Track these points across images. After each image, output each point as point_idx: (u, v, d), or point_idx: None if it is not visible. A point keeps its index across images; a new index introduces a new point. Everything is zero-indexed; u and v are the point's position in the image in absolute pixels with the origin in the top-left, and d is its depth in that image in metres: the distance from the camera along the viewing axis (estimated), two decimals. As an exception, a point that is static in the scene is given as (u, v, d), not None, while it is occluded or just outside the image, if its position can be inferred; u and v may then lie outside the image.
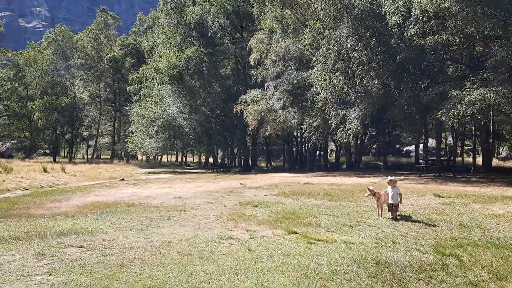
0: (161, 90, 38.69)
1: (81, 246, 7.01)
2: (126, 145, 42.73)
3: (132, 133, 40.95)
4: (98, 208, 11.42)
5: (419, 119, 25.82)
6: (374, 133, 46.70)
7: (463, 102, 18.01)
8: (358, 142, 38.74)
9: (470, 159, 42.43)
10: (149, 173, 36.21)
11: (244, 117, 30.59)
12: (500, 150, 63.21)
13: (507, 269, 5.90)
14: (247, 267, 5.88)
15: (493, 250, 6.72)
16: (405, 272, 5.77)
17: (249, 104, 30.26)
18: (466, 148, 46.45)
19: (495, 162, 36.59)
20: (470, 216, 10.20)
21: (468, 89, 18.32)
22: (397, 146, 59.37)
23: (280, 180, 22.29)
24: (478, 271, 5.86)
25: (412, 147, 57.80)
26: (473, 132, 31.65)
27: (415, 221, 9.42)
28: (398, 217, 9.78)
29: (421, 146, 39.92)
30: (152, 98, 39.83)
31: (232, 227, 8.83)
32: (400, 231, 8.46)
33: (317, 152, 42.87)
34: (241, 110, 30.83)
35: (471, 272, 5.82)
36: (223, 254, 6.52)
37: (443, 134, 39.44)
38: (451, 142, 53.67)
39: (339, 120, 24.23)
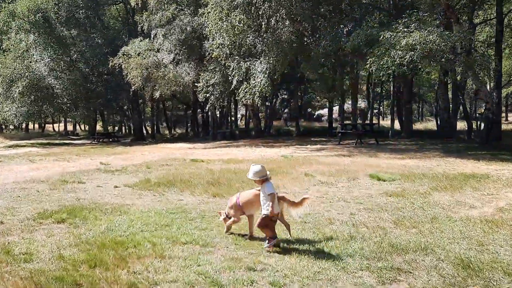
0: (23, 41, 30.22)
1: None
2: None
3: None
4: None
5: (337, 76, 21.45)
6: (285, 96, 42.47)
7: (398, 48, 13.60)
8: (269, 105, 34.12)
9: (385, 123, 40.17)
10: (11, 146, 28.42)
11: (124, 74, 24.03)
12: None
13: None
14: None
15: None
16: None
17: (131, 57, 23.71)
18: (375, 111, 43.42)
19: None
20: (453, 227, 5.56)
21: (404, 32, 13.94)
22: (309, 110, 56.41)
23: (164, 155, 16.70)
24: None
25: (324, 111, 55.10)
26: (391, 91, 28.35)
27: (363, 258, 4.48)
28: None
29: (334, 109, 36.52)
30: (12, 51, 31.19)
31: None
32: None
33: (227, 117, 37.69)
34: (119, 64, 24.14)
35: None
36: None
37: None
38: (361, 105, 51.45)
39: (241, 75, 18.92)
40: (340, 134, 21.75)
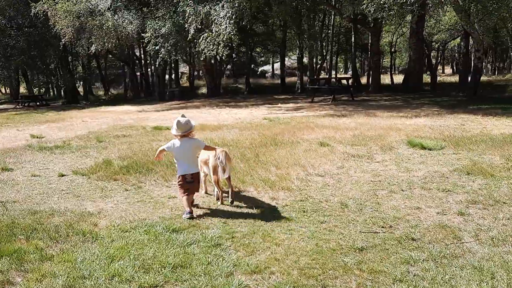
0: None
1: None
2: None
3: None
4: None
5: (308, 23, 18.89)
6: (227, 51, 39.24)
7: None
8: (218, 61, 30.82)
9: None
10: None
11: (51, 24, 19.72)
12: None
13: None
14: None
15: None
16: None
17: (58, 2, 19.40)
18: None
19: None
20: None
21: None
22: (252, 66, 53.72)
23: (112, 122, 13.54)
24: None
25: (267, 67, 53.06)
26: (352, 43, 26.30)
27: None
28: None
29: (276, 65, 34.13)
30: None
31: None
32: None
33: (167, 75, 33.87)
34: (43, 12, 19.74)
35: None
36: None
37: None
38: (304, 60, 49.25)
39: (199, 22, 15.74)
40: (313, 91, 19.51)
